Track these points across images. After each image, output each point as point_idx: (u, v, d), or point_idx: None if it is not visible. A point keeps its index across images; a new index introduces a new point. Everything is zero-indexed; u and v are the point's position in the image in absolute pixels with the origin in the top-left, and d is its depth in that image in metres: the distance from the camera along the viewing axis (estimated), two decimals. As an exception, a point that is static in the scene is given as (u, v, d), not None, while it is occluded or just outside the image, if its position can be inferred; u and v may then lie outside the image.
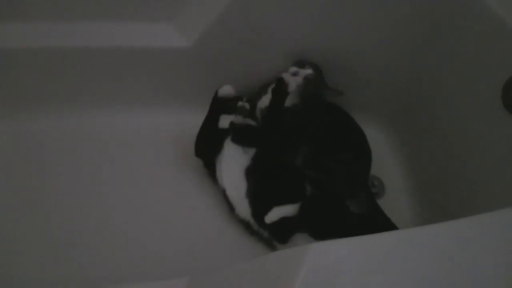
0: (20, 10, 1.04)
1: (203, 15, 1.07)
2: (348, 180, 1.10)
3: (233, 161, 1.05)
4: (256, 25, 1.08)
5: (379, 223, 1.07)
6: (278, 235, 1.00)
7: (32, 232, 1.02)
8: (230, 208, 1.05)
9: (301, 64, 1.11)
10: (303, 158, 1.08)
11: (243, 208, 1.02)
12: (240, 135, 1.06)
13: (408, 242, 0.63)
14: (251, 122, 1.11)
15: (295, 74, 1.09)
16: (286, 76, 1.04)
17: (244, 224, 1.04)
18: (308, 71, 1.09)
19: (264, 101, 1.11)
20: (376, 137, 1.23)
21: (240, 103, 1.09)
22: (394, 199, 1.17)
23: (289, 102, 1.06)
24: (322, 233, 0.98)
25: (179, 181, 1.14)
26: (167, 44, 1.10)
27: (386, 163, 1.23)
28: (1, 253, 0.99)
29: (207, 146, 1.08)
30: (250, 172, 1.03)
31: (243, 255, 1.03)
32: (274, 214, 0.98)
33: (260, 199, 1.01)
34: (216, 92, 1.07)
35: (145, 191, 1.11)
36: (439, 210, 1.09)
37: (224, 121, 1.09)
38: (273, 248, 1.02)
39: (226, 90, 1.07)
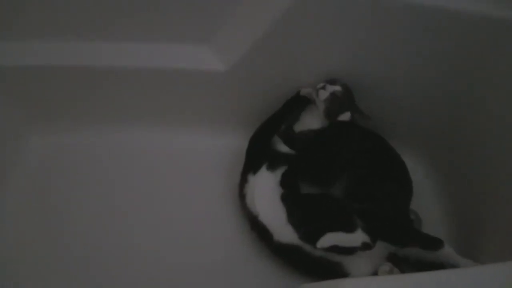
0: (66, 29, 1.08)
1: (241, 39, 1.07)
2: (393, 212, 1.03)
3: (267, 188, 1.02)
4: (293, 50, 1.07)
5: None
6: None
7: (60, 247, 1.05)
8: (262, 235, 1.01)
9: (332, 81, 1.09)
10: (343, 187, 1.03)
11: (286, 233, 0.97)
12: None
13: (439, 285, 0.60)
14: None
15: (322, 88, 1.08)
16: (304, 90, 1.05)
17: (285, 250, 0.98)
18: (337, 87, 1.08)
19: (298, 126, 1.11)
20: (413, 168, 1.16)
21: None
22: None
23: (316, 125, 1.06)
24: None
25: (207, 202, 1.14)
26: (204, 67, 1.11)
27: (423, 196, 1.16)
28: (27, 267, 1.01)
29: (258, 145, 1.10)
30: (288, 199, 1.00)
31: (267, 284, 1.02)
32: (328, 241, 0.92)
33: (309, 223, 0.96)
34: (299, 92, 1.11)
35: (172, 211, 1.12)
36: (477, 248, 1.03)
37: (282, 146, 1.10)
38: (319, 267, 0.97)
39: (307, 90, 1.11)
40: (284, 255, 1.00)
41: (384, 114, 1.14)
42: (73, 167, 1.17)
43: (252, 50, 1.07)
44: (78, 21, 1.06)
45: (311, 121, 1.12)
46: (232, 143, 1.20)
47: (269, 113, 1.15)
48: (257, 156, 1.08)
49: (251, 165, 1.07)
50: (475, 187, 1.09)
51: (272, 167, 1.04)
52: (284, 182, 1.02)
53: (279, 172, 1.04)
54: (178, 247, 1.06)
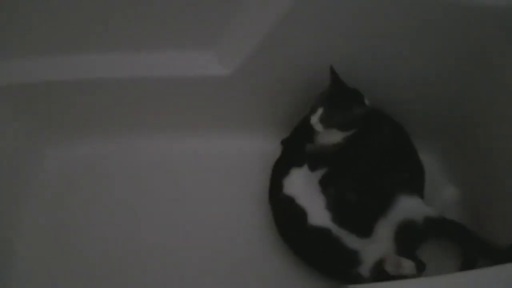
0: (70, 43, 1.09)
1: (243, 44, 1.07)
2: None
3: (308, 180, 1.08)
4: (294, 53, 1.07)
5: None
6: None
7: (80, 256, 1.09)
8: (296, 217, 1.04)
9: (313, 109, 1.05)
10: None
11: (321, 216, 1.03)
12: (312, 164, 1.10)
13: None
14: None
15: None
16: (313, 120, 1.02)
17: (315, 232, 1.02)
18: (319, 111, 1.02)
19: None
20: (427, 163, 1.15)
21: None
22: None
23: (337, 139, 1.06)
24: None
25: (222, 205, 1.16)
26: (208, 72, 1.12)
27: (437, 189, 1.17)
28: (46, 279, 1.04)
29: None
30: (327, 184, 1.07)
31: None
32: None
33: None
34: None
35: (189, 215, 1.15)
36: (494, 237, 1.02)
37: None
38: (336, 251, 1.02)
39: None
40: (313, 238, 1.03)
41: (392, 110, 1.13)
42: (88, 177, 1.20)
43: (254, 54, 1.06)
44: (83, 34, 1.07)
45: (330, 136, 1.07)
46: (243, 145, 1.23)
47: (278, 114, 1.17)
48: (299, 153, 1.11)
49: (293, 160, 1.10)
50: (482, 176, 1.10)
51: (312, 167, 1.10)
52: (324, 182, 1.08)
53: (319, 172, 1.10)
54: (198, 252, 1.10)
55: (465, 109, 1.12)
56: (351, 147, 1.07)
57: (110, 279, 1.06)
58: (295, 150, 1.13)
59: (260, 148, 1.22)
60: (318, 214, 1.04)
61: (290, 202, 1.05)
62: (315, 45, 1.06)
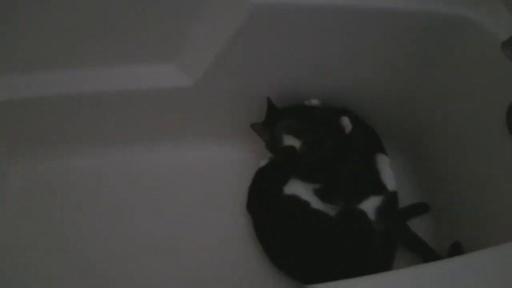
0: (33, 61, 1.09)
1: (204, 55, 1.09)
2: None
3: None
4: (253, 63, 1.10)
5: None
6: None
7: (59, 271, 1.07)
8: (301, 207, 1.04)
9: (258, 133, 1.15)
10: None
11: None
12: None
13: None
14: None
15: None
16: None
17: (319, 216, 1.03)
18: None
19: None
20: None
21: None
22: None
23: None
24: None
25: (196, 214, 1.17)
26: (172, 84, 1.13)
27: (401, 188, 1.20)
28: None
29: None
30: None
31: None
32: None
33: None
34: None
35: (161, 229, 1.14)
36: (453, 234, 1.08)
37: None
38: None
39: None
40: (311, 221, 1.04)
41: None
42: (56, 193, 1.19)
43: (214, 65, 1.09)
44: (43, 52, 1.07)
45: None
46: (212, 154, 1.25)
47: (243, 122, 1.18)
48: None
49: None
50: (442, 176, 1.15)
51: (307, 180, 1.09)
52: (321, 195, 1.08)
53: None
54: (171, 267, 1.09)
55: (417, 113, 1.18)
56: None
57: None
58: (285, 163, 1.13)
59: (228, 156, 1.25)
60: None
61: (293, 200, 1.05)
62: (271, 54, 1.09)
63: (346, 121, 1.09)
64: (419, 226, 1.14)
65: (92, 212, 1.16)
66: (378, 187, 1.06)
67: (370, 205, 1.03)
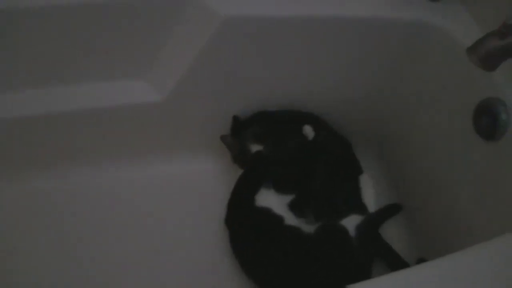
0: (9, 81, 1.07)
1: (173, 70, 1.09)
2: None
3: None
4: (220, 77, 1.10)
5: None
6: None
7: None
8: (274, 221, 1.04)
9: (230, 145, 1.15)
10: None
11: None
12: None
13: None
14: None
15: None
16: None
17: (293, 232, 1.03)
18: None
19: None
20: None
21: None
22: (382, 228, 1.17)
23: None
24: None
25: (171, 229, 1.15)
26: (142, 100, 1.12)
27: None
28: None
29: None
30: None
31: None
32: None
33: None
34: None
35: (136, 245, 1.12)
36: (427, 238, 1.10)
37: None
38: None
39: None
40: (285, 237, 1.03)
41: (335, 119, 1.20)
42: (30, 212, 1.16)
43: (184, 80, 1.09)
44: (9, 72, 1.05)
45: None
46: (185, 168, 1.24)
47: (216, 136, 1.17)
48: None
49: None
50: (413, 179, 1.16)
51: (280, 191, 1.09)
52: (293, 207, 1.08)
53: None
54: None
55: (385, 118, 1.20)
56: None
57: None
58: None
59: (202, 169, 1.24)
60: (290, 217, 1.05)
61: (265, 213, 1.05)
62: (241, 67, 1.09)
63: (308, 130, 1.11)
64: (393, 227, 1.15)
65: (61, 233, 1.13)
66: (359, 206, 1.08)
67: (351, 223, 1.03)
